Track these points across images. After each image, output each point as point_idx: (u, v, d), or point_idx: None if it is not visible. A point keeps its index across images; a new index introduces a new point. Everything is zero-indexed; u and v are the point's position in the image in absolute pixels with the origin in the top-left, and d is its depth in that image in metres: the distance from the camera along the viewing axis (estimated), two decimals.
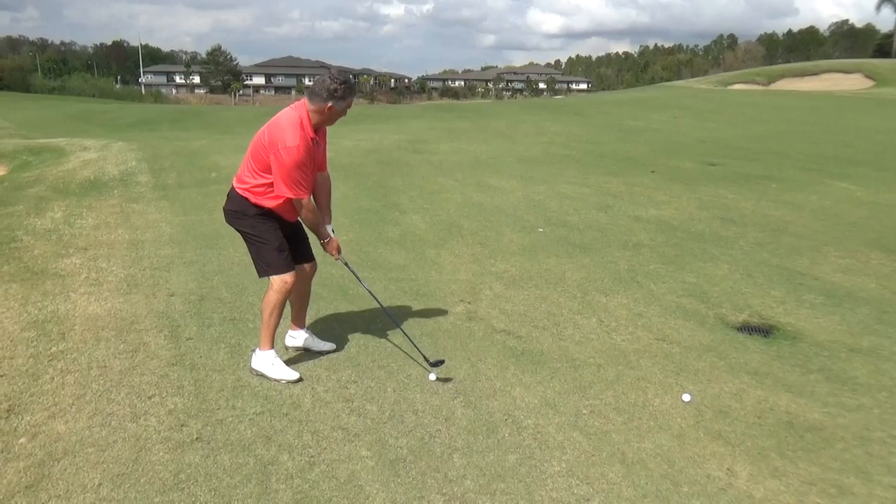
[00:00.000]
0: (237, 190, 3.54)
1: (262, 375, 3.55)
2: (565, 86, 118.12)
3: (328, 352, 3.91)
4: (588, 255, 6.10)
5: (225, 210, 3.64)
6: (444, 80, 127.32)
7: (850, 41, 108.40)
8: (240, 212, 3.54)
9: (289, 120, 3.37)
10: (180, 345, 3.97)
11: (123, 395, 3.37)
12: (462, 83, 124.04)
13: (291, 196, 3.39)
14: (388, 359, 3.87)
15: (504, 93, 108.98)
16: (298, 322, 3.94)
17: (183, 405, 3.28)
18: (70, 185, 9.42)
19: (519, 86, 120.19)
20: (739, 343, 4.18)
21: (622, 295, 5.04)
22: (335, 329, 4.31)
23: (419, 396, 3.44)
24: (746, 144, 14.20)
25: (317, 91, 3.37)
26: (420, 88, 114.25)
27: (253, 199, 3.48)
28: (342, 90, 3.37)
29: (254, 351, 3.66)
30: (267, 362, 3.56)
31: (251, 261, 3.67)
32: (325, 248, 3.72)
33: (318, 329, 4.21)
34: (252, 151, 3.47)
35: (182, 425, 3.10)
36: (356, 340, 4.12)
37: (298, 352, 3.91)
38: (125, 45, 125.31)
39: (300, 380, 3.54)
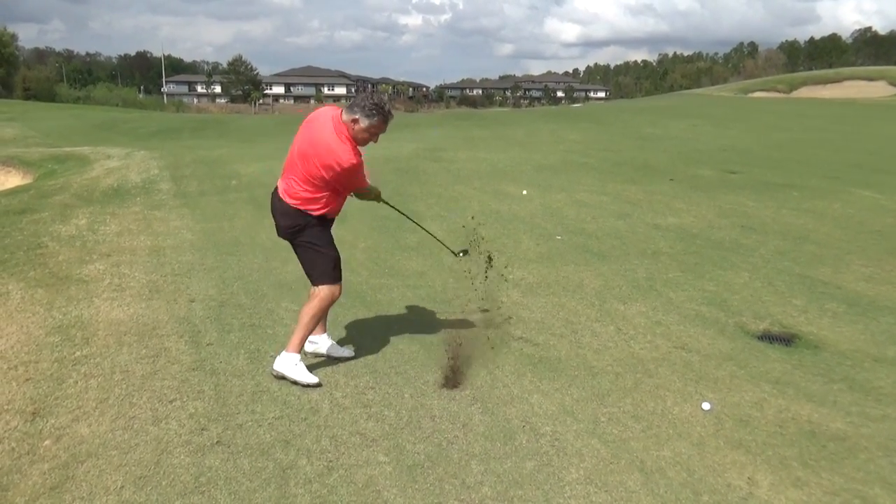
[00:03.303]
0: (291, 206, 3.55)
1: (283, 377, 3.56)
2: (583, 94, 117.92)
3: (347, 358, 3.93)
4: (606, 262, 6.08)
5: (280, 227, 3.65)
6: (462, 89, 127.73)
7: (874, 48, 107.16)
8: (299, 226, 3.58)
9: (334, 139, 3.41)
10: (200, 350, 4.02)
11: (145, 400, 3.41)
12: (480, 92, 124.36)
13: (365, 187, 3.70)
14: (406, 365, 3.88)
15: (522, 101, 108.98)
16: (320, 327, 3.96)
17: (203, 409, 3.32)
18: (94, 192, 9.58)
19: (537, 94, 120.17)
20: (760, 352, 4.13)
21: (640, 303, 5.01)
22: (353, 335, 4.33)
23: (436, 402, 3.45)
24: (767, 152, 14.08)
25: (357, 105, 3.44)
26: (438, 97, 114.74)
27: (310, 211, 3.55)
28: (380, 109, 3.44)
29: (278, 354, 3.67)
30: (291, 363, 3.57)
31: (304, 267, 3.71)
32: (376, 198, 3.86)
33: (337, 335, 4.24)
34: (304, 168, 3.47)
35: (203, 429, 3.13)
36: (374, 347, 4.13)
37: (318, 358, 3.93)
38: (148, 55, 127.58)
39: (319, 385, 3.56)
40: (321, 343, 3.93)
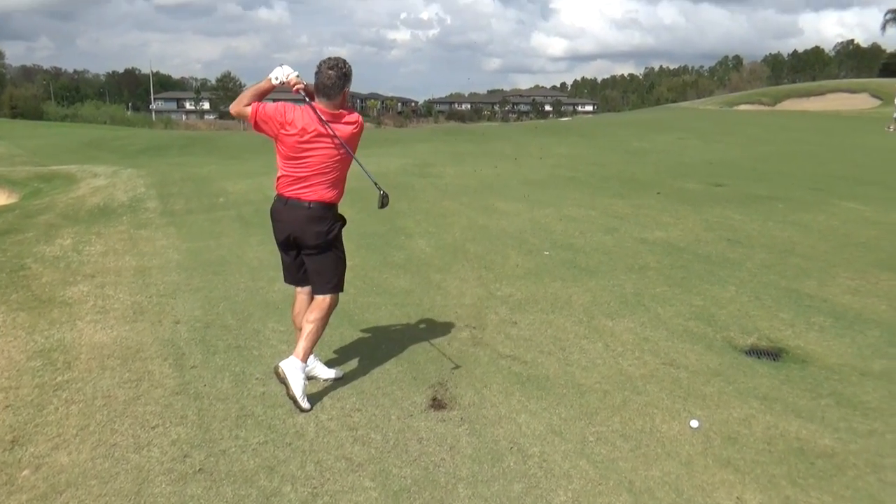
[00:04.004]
0: (324, 205, 3.57)
1: (284, 381, 3.48)
2: (571, 108, 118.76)
3: (333, 379, 3.89)
4: (594, 278, 6.08)
5: (311, 236, 3.60)
6: (451, 104, 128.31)
7: (856, 61, 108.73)
8: (332, 229, 3.65)
9: (344, 115, 3.56)
10: (185, 373, 3.97)
11: (127, 426, 3.36)
12: (468, 106, 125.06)
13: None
14: (393, 386, 3.84)
15: (510, 115, 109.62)
16: None
17: (186, 435, 3.27)
18: (79, 211, 9.51)
19: (525, 108, 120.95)
20: (748, 367, 4.13)
21: (628, 318, 5.01)
22: (340, 356, 4.30)
23: (424, 424, 3.41)
24: (753, 165, 14.20)
25: (336, 85, 3.46)
26: (427, 112, 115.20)
27: (338, 200, 3.68)
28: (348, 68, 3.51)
29: (287, 358, 3.56)
30: (299, 369, 3.49)
31: (322, 276, 3.70)
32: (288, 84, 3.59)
33: (324, 356, 4.19)
34: (324, 164, 3.53)
35: (185, 456, 3.08)
36: (361, 367, 4.10)
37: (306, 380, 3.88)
38: (137, 72, 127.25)
39: (308, 410, 3.51)
40: (309, 364, 3.88)
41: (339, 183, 3.66)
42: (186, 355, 4.25)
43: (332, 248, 3.68)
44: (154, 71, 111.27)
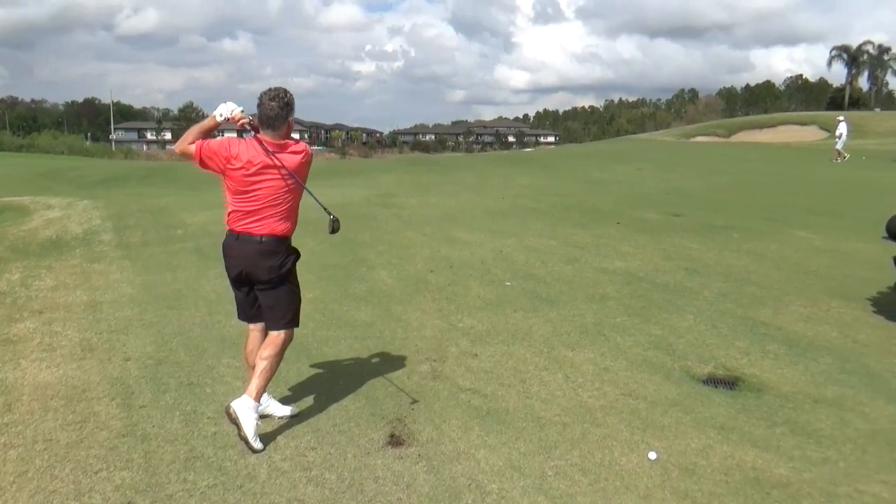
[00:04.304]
0: (273, 237, 3.50)
1: (236, 421, 3.36)
2: (534, 139, 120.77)
3: (288, 417, 3.79)
4: (555, 308, 6.10)
5: (264, 270, 3.53)
6: (415, 134, 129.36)
7: (805, 94, 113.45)
8: (282, 260, 3.56)
9: (290, 145, 3.55)
10: (132, 413, 3.82)
11: (68, 471, 3.20)
12: (433, 137, 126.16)
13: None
14: (350, 422, 3.76)
15: (474, 146, 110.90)
16: None
17: (131, 480, 3.12)
18: (31, 244, 9.22)
19: (489, 139, 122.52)
20: (705, 396, 4.16)
21: (588, 349, 5.02)
22: (296, 392, 4.20)
23: (380, 462, 3.34)
24: (709, 195, 14.56)
25: (280, 116, 3.44)
26: (391, 142, 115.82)
27: (291, 233, 3.63)
28: (290, 97, 3.51)
29: (239, 397, 3.45)
30: (252, 408, 3.38)
31: (276, 311, 3.62)
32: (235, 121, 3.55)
33: (278, 393, 4.09)
34: (275, 196, 3.48)
35: (128, 502, 2.94)
36: (317, 404, 4.01)
37: (260, 419, 3.77)
38: (97, 102, 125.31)
39: (261, 450, 3.40)
40: (262, 402, 3.78)
41: (291, 215, 3.61)
42: (135, 394, 4.10)
43: (285, 282, 3.61)
44: (114, 101, 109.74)
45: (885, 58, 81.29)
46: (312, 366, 4.66)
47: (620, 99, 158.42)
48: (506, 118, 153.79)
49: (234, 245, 3.55)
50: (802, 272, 7.44)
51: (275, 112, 3.43)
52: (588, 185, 16.71)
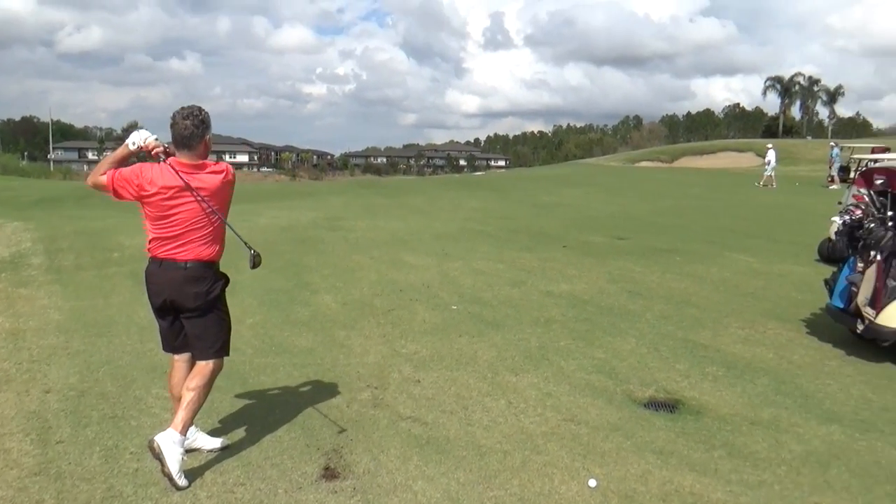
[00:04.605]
0: (198, 263, 3.34)
1: (160, 458, 3.15)
2: (485, 162, 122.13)
3: (218, 450, 3.61)
4: (500, 332, 6.06)
5: (190, 297, 3.35)
6: (367, 157, 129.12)
7: (743, 122, 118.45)
8: (208, 286, 3.39)
9: (209, 166, 3.38)
10: (48, 450, 3.57)
11: None
12: (384, 160, 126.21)
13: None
14: (283, 455, 3.60)
15: (426, 169, 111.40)
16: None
17: None
18: None
19: (440, 162, 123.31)
20: (646, 420, 4.16)
21: (532, 374, 4.99)
22: (228, 423, 4.01)
23: (313, 497, 3.19)
24: (652, 218, 14.92)
25: (195, 135, 3.30)
26: (343, 165, 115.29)
27: (217, 258, 3.45)
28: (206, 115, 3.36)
29: (164, 430, 3.27)
30: (177, 443, 3.20)
31: (204, 341, 3.44)
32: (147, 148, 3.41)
33: (208, 424, 3.90)
34: (195, 220, 3.31)
35: None
36: (250, 435, 3.83)
37: (186, 453, 3.57)
38: (35, 120, 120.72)
39: (186, 488, 3.21)
40: (189, 435, 3.59)
41: (216, 239, 3.45)
42: (53, 429, 3.84)
43: (213, 309, 3.45)
44: (54, 119, 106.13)
45: (815, 89, 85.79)
46: (247, 395, 4.47)
47: (569, 124, 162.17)
48: (457, 142, 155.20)
49: (158, 272, 3.38)
50: (741, 294, 7.63)
51: (189, 131, 3.28)
52: (536, 209, 16.91)
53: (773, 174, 25.57)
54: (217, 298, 3.46)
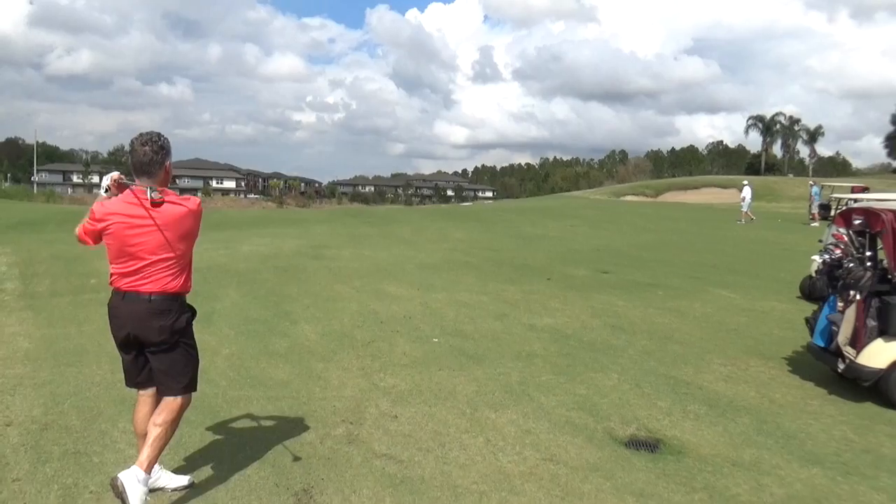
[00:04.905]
0: (163, 295, 3.21)
1: (123, 497, 3.00)
2: (472, 193, 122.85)
3: (183, 489, 3.47)
4: (481, 366, 5.97)
5: (155, 331, 3.22)
6: (355, 185, 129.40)
7: (726, 159, 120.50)
8: (174, 319, 3.26)
9: (170, 196, 3.25)
10: (3, 488, 3.41)
11: None
12: (372, 188, 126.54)
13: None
14: (251, 495, 3.46)
15: (413, 199, 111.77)
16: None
17: None
18: None
19: (428, 192, 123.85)
20: (626, 460, 4.07)
21: (512, 410, 4.89)
22: (195, 460, 3.86)
23: None
24: (636, 253, 14.97)
25: (155, 161, 3.21)
26: (330, 193, 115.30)
27: (184, 290, 3.32)
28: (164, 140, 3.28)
29: (128, 468, 3.13)
30: (141, 482, 3.06)
31: (171, 376, 3.31)
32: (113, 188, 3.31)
33: (174, 461, 3.76)
34: (156, 249, 3.19)
35: None
36: (218, 473, 3.68)
37: (150, 492, 3.43)
38: (20, 142, 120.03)
39: None
40: (153, 474, 3.44)
41: (182, 270, 3.33)
42: (11, 465, 3.68)
43: (179, 343, 3.32)
44: (40, 141, 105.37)
45: (796, 128, 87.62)
46: (217, 429, 4.33)
47: (555, 157, 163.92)
48: (445, 172, 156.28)
49: (121, 305, 3.27)
50: (723, 330, 7.61)
51: (149, 157, 3.21)
52: (521, 241, 16.93)
53: (748, 210, 25.86)
54: (183, 332, 3.33)
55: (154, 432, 3.21)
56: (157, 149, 3.23)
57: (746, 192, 26.28)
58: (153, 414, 3.29)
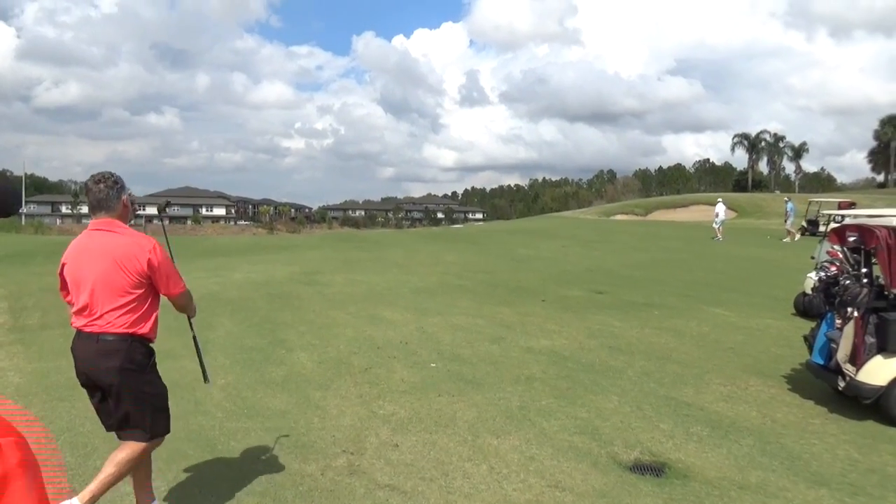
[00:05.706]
0: (117, 336, 3.09)
1: None
2: (462, 215, 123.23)
3: None
4: (480, 391, 5.91)
5: (105, 370, 3.10)
6: (345, 210, 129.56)
7: (713, 176, 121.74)
8: (135, 363, 3.13)
9: (125, 231, 3.24)
10: None
11: None
12: (362, 213, 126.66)
13: (182, 287, 3.30)
14: None
15: (404, 222, 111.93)
16: (147, 486, 3.41)
17: None
18: None
19: (418, 215, 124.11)
20: (632, 486, 4.02)
21: (514, 436, 4.83)
22: (191, 494, 3.78)
23: None
24: (629, 272, 14.99)
25: (111, 197, 3.22)
26: (320, 218, 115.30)
27: (140, 332, 3.15)
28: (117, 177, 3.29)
29: (70, 499, 3.06)
30: None
31: (126, 423, 3.20)
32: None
33: (173, 496, 3.67)
34: (105, 285, 3.10)
35: None
36: None
37: None
38: (8, 174, 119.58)
39: None
40: None
41: (138, 309, 3.18)
42: None
43: (131, 388, 3.15)
44: (28, 173, 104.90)
45: (781, 145, 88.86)
46: (215, 463, 4.25)
47: (544, 178, 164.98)
48: (435, 195, 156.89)
49: (76, 344, 3.20)
50: (721, 349, 7.60)
51: (104, 193, 3.20)
52: (514, 262, 16.93)
53: (720, 227, 25.83)
54: (135, 376, 3.16)
55: (107, 469, 3.13)
56: (111, 184, 3.23)
57: (720, 209, 26.38)
58: (116, 449, 3.20)
